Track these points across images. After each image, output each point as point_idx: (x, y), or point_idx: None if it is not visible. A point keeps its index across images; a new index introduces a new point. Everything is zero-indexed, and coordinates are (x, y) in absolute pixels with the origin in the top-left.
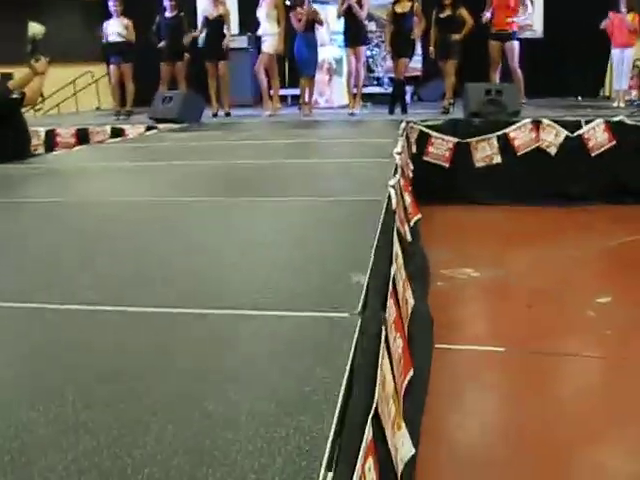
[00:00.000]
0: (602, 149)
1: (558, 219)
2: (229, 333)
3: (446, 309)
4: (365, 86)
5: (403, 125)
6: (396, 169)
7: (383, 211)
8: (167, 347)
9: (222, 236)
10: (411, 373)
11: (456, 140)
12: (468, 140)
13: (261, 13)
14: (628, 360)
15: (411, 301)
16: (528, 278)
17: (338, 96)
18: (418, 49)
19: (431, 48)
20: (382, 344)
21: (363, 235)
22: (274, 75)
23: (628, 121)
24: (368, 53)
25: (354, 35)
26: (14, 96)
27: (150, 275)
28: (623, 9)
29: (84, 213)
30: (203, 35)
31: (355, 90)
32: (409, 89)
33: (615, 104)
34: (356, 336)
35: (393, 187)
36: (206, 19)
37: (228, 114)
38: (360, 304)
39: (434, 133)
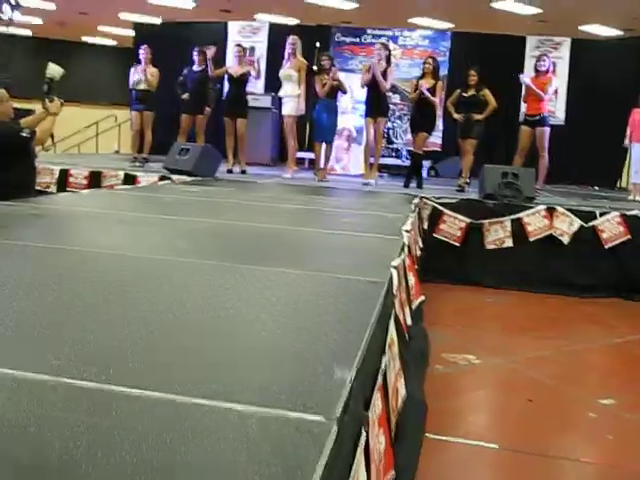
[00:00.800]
0: (616, 242)
1: (565, 309)
2: (169, 425)
3: (442, 396)
4: (383, 157)
5: (416, 201)
6: (402, 248)
7: (382, 295)
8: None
9: (201, 308)
10: (392, 475)
11: (469, 220)
12: (481, 221)
13: (283, 74)
14: (626, 468)
15: (402, 392)
16: (530, 369)
17: (355, 164)
18: (439, 125)
19: (455, 115)
20: (359, 450)
21: (357, 321)
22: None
23: None
24: (389, 125)
25: (375, 106)
26: (24, 134)
27: (112, 344)
28: None
29: (66, 262)
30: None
31: (372, 160)
32: (426, 164)
33: (631, 197)
34: (330, 446)
35: (396, 268)
36: (230, 76)
37: (244, 171)
38: (340, 406)
39: (447, 211)
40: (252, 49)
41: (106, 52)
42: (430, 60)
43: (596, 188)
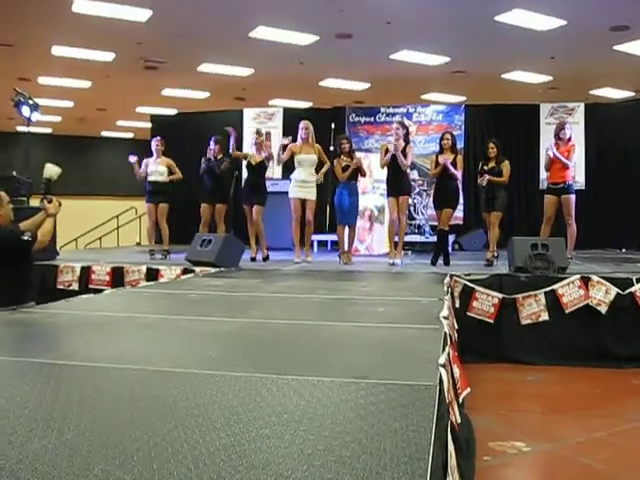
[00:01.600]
0: None
1: (611, 383)
2: None
3: None
4: (406, 234)
5: (447, 280)
6: (445, 339)
7: (436, 403)
8: None
9: (218, 430)
10: None
11: (501, 296)
12: (514, 296)
13: (304, 159)
14: None
15: None
16: (583, 454)
17: (378, 244)
18: (460, 199)
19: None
20: None
21: (411, 442)
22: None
23: None
24: (409, 201)
25: (397, 185)
26: (25, 238)
27: None
28: None
29: (86, 383)
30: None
31: (397, 239)
32: (451, 238)
33: None
34: None
35: (444, 367)
36: (248, 164)
37: (266, 258)
38: None
39: (479, 288)
40: (267, 134)
41: (124, 145)
42: (448, 135)
43: (623, 250)
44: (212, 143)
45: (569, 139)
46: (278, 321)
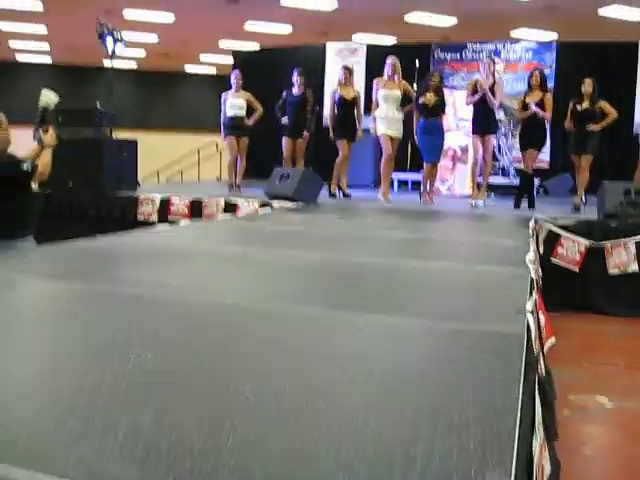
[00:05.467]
0: None
1: None
2: None
3: (575, 450)
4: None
5: (532, 224)
6: (532, 284)
7: (524, 354)
8: None
9: (294, 374)
10: None
11: (589, 242)
12: (602, 243)
13: (388, 95)
14: None
15: (548, 469)
16: None
17: (461, 185)
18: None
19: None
20: None
21: (497, 395)
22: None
23: None
24: (496, 142)
25: (484, 123)
26: (24, 168)
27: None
28: None
29: (162, 315)
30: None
31: (480, 180)
32: (536, 182)
33: None
34: None
35: (532, 314)
36: (342, 99)
37: (347, 195)
38: None
39: (565, 233)
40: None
41: (207, 81)
42: (537, 73)
43: None
44: (295, 76)
45: None
46: (358, 259)
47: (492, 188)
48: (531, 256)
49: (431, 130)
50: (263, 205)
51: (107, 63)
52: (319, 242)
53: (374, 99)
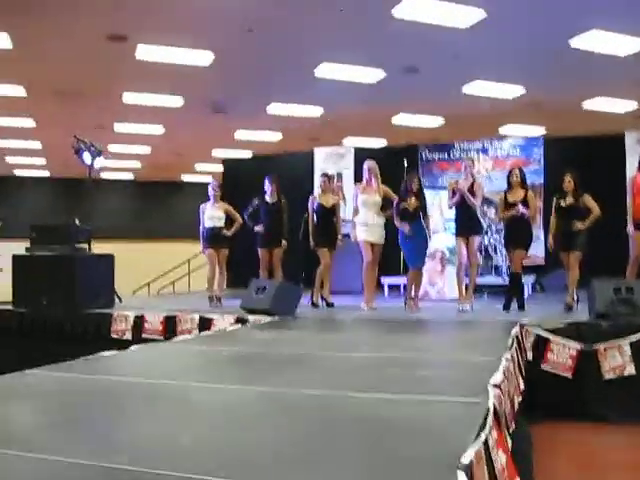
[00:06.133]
0: None
1: None
2: None
3: None
4: (482, 275)
5: (515, 330)
6: (485, 419)
7: None
8: None
9: None
10: None
11: (580, 346)
12: (595, 346)
13: (368, 201)
14: None
15: None
16: None
17: (451, 288)
18: (540, 236)
19: (550, 239)
20: None
21: None
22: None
23: None
24: (487, 241)
25: (466, 224)
26: None
27: None
28: None
29: None
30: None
31: (467, 283)
32: (531, 278)
33: None
34: None
35: (468, 469)
36: (321, 207)
37: (330, 304)
38: None
39: (554, 337)
40: (339, 175)
41: (204, 189)
42: (517, 171)
43: None
44: (267, 183)
45: None
46: (292, 390)
47: (485, 288)
48: (497, 379)
49: (413, 234)
50: (239, 320)
51: (103, 175)
52: (266, 369)
53: (354, 205)
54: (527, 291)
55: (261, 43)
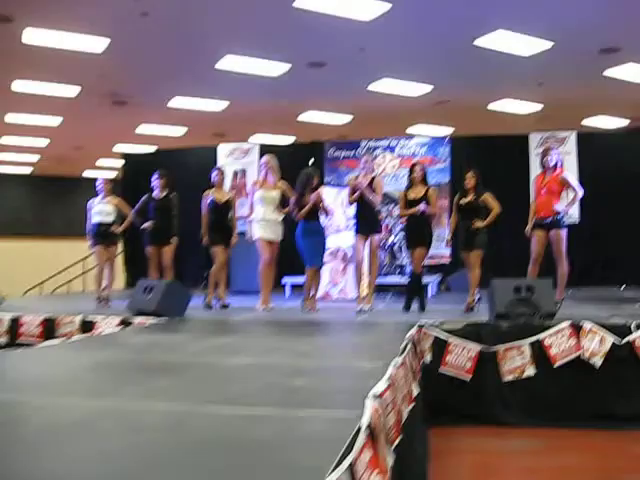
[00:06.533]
0: None
1: (608, 450)
2: None
3: None
4: (386, 275)
5: (411, 333)
6: (355, 437)
7: None
8: None
9: None
10: None
11: (480, 348)
12: (494, 348)
13: (264, 196)
14: None
15: None
16: None
17: (353, 287)
18: (445, 234)
19: (449, 236)
20: None
21: None
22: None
23: None
24: (392, 239)
25: (366, 222)
26: None
27: None
28: None
29: None
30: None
31: (367, 283)
32: (436, 278)
33: None
34: None
35: None
36: (214, 202)
37: (225, 306)
38: None
39: (453, 339)
40: (243, 172)
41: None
42: (418, 167)
43: (623, 287)
44: (155, 178)
45: (555, 166)
46: (144, 405)
47: (389, 288)
48: (379, 388)
49: (312, 232)
50: (123, 322)
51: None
52: (130, 378)
53: (250, 202)
54: (432, 291)
55: (159, 29)
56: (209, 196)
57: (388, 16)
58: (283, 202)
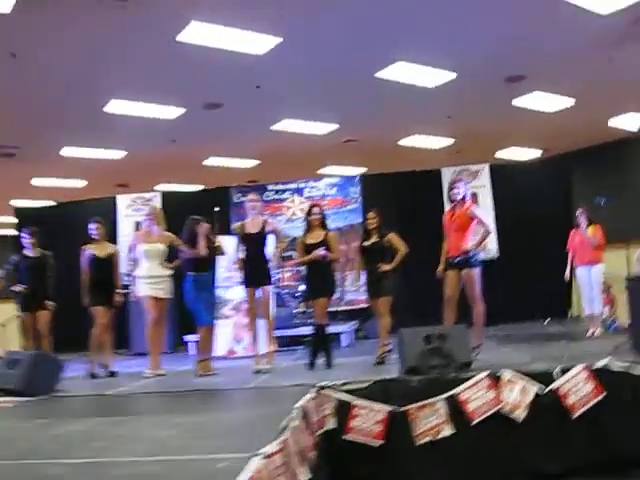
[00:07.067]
0: (587, 406)
1: None
2: None
3: None
4: (298, 326)
5: (303, 403)
6: None
7: None
8: None
9: None
10: None
11: (389, 409)
12: (405, 408)
13: (149, 250)
14: None
15: None
16: None
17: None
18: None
19: (356, 281)
20: None
21: None
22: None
23: (616, 366)
24: (302, 288)
25: (253, 273)
26: None
27: None
28: (583, 224)
29: None
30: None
31: (263, 340)
32: (352, 326)
33: (590, 332)
34: None
35: None
36: (95, 258)
37: (113, 374)
38: None
39: (358, 401)
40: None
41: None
42: (314, 210)
43: (546, 322)
44: (26, 236)
45: (464, 199)
46: None
47: (302, 340)
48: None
49: (203, 286)
50: None
51: None
52: None
53: (131, 256)
54: (348, 340)
55: (32, 73)
56: (88, 250)
57: (280, 49)
58: (172, 255)
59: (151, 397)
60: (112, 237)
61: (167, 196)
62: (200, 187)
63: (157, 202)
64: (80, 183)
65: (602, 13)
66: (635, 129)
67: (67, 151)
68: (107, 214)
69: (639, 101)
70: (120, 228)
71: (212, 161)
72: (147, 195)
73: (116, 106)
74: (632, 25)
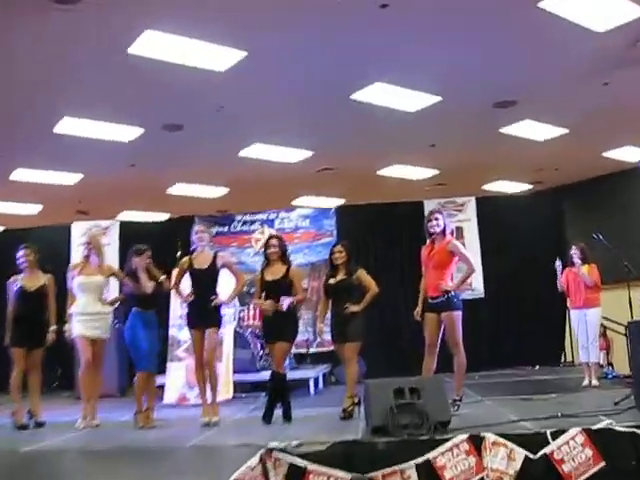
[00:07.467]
0: (585, 476)
1: None
2: None
3: None
4: (259, 370)
5: (245, 468)
6: None
7: None
8: None
9: None
10: None
11: (349, 477)
12: (370, 475)
13: (85, 283)
14: None
15: None
16: None
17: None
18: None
19: (319, 325)
20: None
21: None
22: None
23: (618, 427)
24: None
25: (199, 314)
26: None
27: None
28: (577, 261)
29: None
30: None
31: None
32: (323, 369)
33: (586, 382)
34: None
35: None
36: (22, 290)
37: (40, 424)
38: None
39: (314, 467)
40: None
41: None
42: (273, 241)
43: (536, 368)
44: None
45: (444, 231)
46: None
47: (262, 387)
48: None
49: (149, 324)
50: None
51: None
52: None
53: (69, 289)
54: (318, 385)
55: None
56: (15, 282)
57: (245, 65)
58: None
59: (67, 457)
60: (64, 267)
61: (126, 225)
62: (166, 216)
63: (115, 231)
64: (34, 209)
65: (599, 30)
66: (635, 161)
67: (17, 174)
68: (61, 243)
69: (637, 132)
70: (74, 258)
71: (178, 188)
72: (104, 223)
73: (69, 124)
74: (631, 47)
